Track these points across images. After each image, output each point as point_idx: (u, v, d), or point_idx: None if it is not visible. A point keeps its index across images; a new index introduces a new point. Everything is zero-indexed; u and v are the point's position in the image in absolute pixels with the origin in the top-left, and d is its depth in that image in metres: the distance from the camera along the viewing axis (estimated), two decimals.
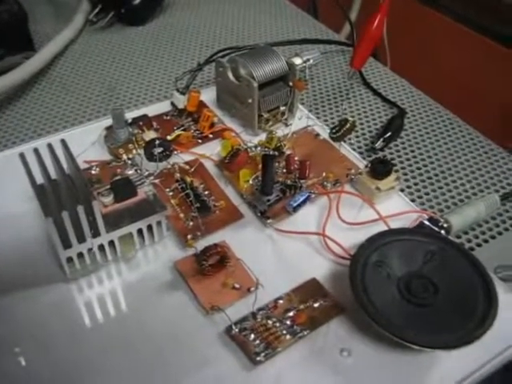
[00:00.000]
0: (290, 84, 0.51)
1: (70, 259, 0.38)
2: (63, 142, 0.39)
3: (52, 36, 0.66)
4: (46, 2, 0.79)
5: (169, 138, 0.50)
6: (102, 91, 0.61)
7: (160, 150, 0.45)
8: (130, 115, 0.52)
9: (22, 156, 0.38)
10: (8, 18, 0.61)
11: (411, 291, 0.37)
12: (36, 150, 0.38)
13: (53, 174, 0.39)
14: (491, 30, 0.90)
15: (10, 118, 0.56)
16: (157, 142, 0.45)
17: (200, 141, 0.51)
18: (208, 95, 0.56)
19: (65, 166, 0.39)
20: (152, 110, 0.54)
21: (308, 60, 0.60)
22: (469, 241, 0.45)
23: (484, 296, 0.36)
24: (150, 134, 0.49)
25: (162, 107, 0.55)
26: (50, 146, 0.39)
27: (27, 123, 0.56)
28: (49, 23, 0.73)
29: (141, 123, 0.51)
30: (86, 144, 0.49)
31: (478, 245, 0.45)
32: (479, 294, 0.36)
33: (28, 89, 0.61)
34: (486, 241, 0.45)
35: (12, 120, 0.56)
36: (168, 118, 0.54)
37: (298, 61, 0.59)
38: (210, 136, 0.51)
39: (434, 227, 0.42)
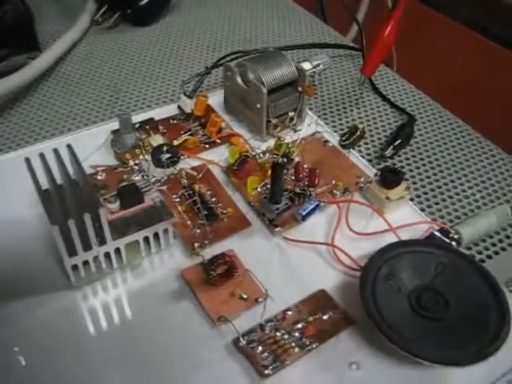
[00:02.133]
0: (299, 89, 0.51)
1: (75, 267, 0.37)
2: (69, 147, 0.38)
3: (57, 36, 0.65)
4: (52, 2, 0.78)
5: (176, 142, 0.49)
6: (107, 93, 0.60)
7: (168, 156, 0.44)
8: (136, 118, 0.51)
9: (27, 161, 0.37)
10: (13, 17, 0.60)
11: (422, 305, 0.36)
12: (42, 155, 0.38)
13: (58, 178, 0.38)
14: (499, 36, 0.90)
15: (14, 120, 0.55)
16: (164, 148, 0.44)
17: (207, 146, 0.50)
18: (215, 99, 0.55)
19: (70, 170, 0.38)
20: (158, 113, 0.54)
21: (318, 65, 0.60)
22: (479, 253, 0.44)
23: (496, 310, 0.36)
24: (156, 139, 0.48)
25: (169, 110, 0.54)
26: (56, 151, 0.38)
27: (32, 125, 0.55)
28: (54, 23, 0.72)
29: (147, 127, 0.50)
30: (92, 148, 0.48)
31: (489, 257, 0.44)
32: (491, 309, 0.36)
33: (32, 90, 0.60)
34: (496, 253, 0.44)
35: (16, 121, 0.55)
36: (175, 121, 0.53)
37: (307, 66, 0.58)
38: (218, 141, 0.51)
39: (444, 239, 0.42)
